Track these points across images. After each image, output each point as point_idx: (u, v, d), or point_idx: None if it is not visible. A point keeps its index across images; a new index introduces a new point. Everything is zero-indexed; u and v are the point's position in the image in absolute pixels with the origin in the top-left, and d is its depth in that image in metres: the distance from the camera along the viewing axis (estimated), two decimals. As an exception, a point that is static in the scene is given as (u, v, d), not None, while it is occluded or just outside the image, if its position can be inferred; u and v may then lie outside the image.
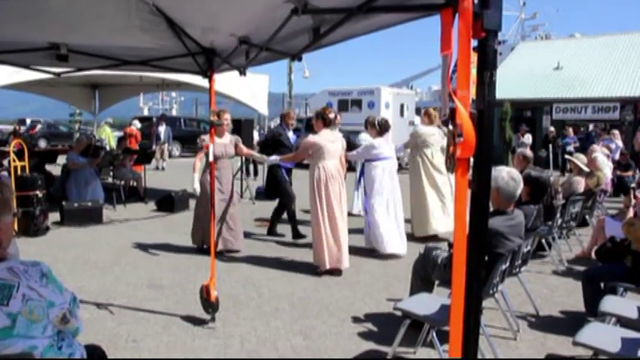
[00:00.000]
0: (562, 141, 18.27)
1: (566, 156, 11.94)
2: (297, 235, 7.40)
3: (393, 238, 6.66)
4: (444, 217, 7.65)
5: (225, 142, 6.38)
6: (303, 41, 2.89)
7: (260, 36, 3.08)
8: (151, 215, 9.37)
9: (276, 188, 7.74)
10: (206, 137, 6.11)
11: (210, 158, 5.10)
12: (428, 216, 7.54)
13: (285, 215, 7.59)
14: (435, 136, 7.71)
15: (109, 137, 18.28)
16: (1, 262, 1.96)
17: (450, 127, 1.43)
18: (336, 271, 5.84)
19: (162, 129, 17.57)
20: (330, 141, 5.93)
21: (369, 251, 6.80)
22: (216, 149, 6.01)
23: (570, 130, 18.63)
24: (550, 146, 19.00)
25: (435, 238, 7.39)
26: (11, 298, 1.89)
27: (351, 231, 6.30)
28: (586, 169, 8.17)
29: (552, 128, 19.76)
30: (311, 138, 5.97)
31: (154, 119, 19.68)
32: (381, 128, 6.94)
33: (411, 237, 7.52)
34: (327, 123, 5.99)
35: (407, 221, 7.40)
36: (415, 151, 7.78)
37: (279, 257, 6.50)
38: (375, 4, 1.89)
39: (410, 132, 8.07)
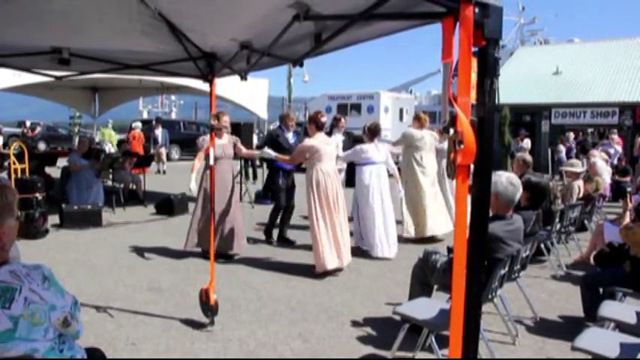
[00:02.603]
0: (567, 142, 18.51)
1: (560, 167, 11.99)
2: (283, 240, 7.41)
3: (382, 241, 6.82)
4: (441, 218, 7.76)
5: (223, 142, 6.37)
6: (305, 47, 2.91)
7: (262, 41, 3.09)
8: (150, 218, 9.37)
9: (272, 192, 7.79)
10: (207, 137, 6.10)
11: (211, 162, 5.11)
12: (424, 218, 7.63)
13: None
14: (424, 139, 7.85)
15: (111, 138, 18.30)
16: (3, 265, 1.97)
17: (451, 133, 1.44)
18: (335, 271, 5.95)
19: (158, 132, 17.55)
20: (325, 143, 6.12)
21: (368, 255, 6.83)
22: (214, 150, 6.04)
23: (571, 134, 18.77)
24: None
25: (432, 239, 7.52)
26: (13, 301, 1.90)
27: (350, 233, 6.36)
28: (580, 170, 8.20)
29: (572, 134, 19.44)
30: (307, 142, 6.13)
31: (153, 122, 19.72)
32: (371, 133, 7.10)
33: (409, 240, 7.59)
34: (320, 127, 6.22)
35: (398, 222, 7.52)
36: (406, 154, 7.92)
37: (278, 260, 6.50)
38: (377, 12, 1.91)
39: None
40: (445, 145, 8.36)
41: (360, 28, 2.29)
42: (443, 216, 7.83)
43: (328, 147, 6.12)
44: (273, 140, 7.69)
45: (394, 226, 7.02)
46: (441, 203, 7.90)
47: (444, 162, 8.55)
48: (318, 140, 6.09)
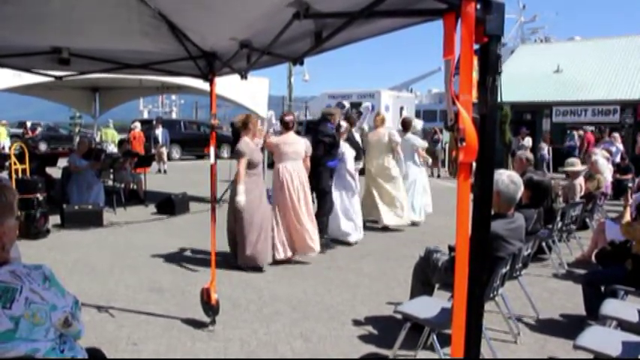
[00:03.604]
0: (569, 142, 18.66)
1: (560, 168, 12.04)
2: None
3: (351, 228, 7.44)
4: (389, 213, 8.31)
5: (257, 147, 6.28)
6: (305, 45, 2.89)
7: (261, 40, 3.08)
8: (151, 218, 9.37)
9: (320, 193, 7.27)
10: (245, 140, 6.01)
11: (211, 160, 5.09)
12: (374, 209, 8.35)
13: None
14: (371, 142, 8.42)
15: (114, 139, 18.29)
16: (4, 265, 1.96)
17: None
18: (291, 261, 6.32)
19: (159, 132, 17.55)
20: (286, 143, 6.37)
21: (367, 254, 6.83)
22: (255, 156, 6.08)
23: (575, 132, 18.92)
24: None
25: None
26: (14, 301, 1.89)
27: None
28: (580, 168, 8.19)
29: (576, 133, 19.37)
30: (269, 140, 6.60)
31: (154, 122, 19.71)
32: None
33: (410, 240, 7.59)
34: (286, 125, 6.51)
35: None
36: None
37: (279, 260, 6.48)
38: (378, 9, 1.89)
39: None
40: (407, 137, 8.98)
41: (360, 26, 2.28)
42: (392, 212, 8.32)
43: (288, 146, 6.36)
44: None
45: (359, 213, 7.62)
46: (390, 199, 8.33)
47: (415, 156, 9.07)
48: (280, 140, 6.43)
